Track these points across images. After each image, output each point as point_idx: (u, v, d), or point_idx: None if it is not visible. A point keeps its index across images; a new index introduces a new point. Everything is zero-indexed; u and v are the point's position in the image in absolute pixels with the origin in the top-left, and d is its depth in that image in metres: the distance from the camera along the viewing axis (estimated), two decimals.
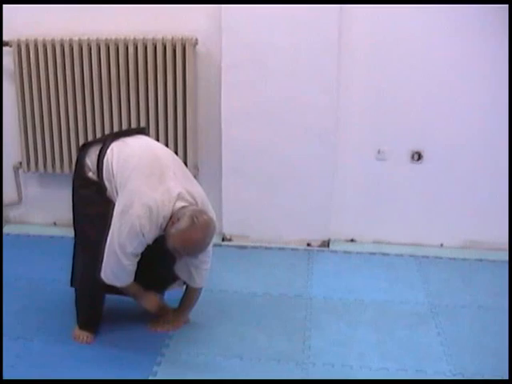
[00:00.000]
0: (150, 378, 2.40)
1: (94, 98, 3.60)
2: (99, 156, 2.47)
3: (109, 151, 2.47)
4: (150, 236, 2.34)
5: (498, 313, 2.92)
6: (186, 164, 3.53)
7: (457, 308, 2.97)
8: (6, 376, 2.30)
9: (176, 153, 3.54)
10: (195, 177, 3.49)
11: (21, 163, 3.86)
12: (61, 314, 2.83)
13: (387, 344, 2.66)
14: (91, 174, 2.51)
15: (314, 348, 2.62)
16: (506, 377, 2.40)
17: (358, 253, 3.61)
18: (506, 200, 3.49)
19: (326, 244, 3.67)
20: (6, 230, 3.89)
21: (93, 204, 2.52)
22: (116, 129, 3.60)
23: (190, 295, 2.72)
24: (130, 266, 2.40)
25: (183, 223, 2.26)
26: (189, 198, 2.37)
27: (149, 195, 2.31)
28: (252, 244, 3.69)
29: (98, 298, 2.66)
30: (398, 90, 3.45)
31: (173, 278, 2.67)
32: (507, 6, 3.11)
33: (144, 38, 3.44)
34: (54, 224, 4.00)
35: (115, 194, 2.43)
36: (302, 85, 3.39)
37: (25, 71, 3.62)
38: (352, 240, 3.76)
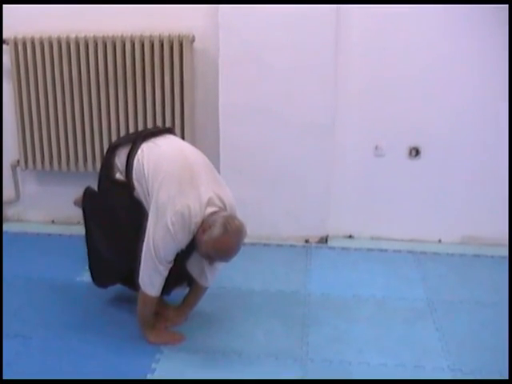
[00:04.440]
0: (148, 376, 2.40)
1: (91, 95, 3.60)
2: (128, 157, 2.51)
3: (139, 152, 2.51)
4: (184, 242, 2.38)
5: (496, 308, 2.92)
6: None
7: (455, 303, 2.98)
8: (6, 373, 2.30)
9: None
10: None
11: (18, 161, 3.85)
12: (59, 311, 2.84)
13: (385, 340, 2.67)
14: (118, 175, 2.55)
15: (312, 344, 2.63)
16: (505, 372, 2.40)
17: (355, 249, 3.61)
18: (503, 195, 3.50)
19: (324, 240, 3.68)
20: (3, 227, 3.88)
21: (122, 203, 2.57)
22: (114, 126, 3.61)
23: (195, 293, 2.73)
24: (165, 271, 2.44)
25: (216, 230, 2.29)
26: (218, 202, 2.40)
27: (181, 202, 2.33)
28: (250, 241, 3.66)
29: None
30: (396, 86, 3.45)
31: (179, 280, 2.68)
32: (507, 6, 3.10)
33: (141, 35, 3.44)
34: (52, 222, 4.00)
35: (146, 195, 2.46)
36: (299, 81, 3.39)
37: (22, 69, 3.61)
38: (350, 236, 3.77)
